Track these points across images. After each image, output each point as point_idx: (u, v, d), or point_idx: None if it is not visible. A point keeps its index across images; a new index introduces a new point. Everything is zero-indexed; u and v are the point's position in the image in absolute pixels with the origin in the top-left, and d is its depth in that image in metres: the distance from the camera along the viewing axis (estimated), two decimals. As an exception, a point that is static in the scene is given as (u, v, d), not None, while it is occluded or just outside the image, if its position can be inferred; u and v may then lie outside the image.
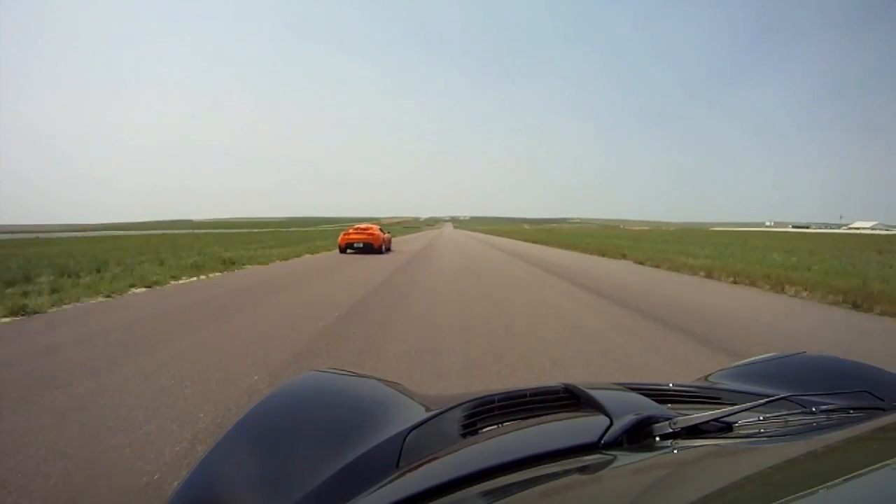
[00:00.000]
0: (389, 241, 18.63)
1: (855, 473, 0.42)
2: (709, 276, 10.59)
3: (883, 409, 0.71)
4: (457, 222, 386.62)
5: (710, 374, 1.10)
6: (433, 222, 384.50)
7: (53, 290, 6.80)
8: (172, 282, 8.70)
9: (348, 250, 16.61)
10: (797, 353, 1.12)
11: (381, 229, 17.86)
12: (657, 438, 0.59)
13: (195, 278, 9.39)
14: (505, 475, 0.52)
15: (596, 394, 0.72)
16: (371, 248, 16.44)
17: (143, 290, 7.71)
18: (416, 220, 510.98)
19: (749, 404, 0.65)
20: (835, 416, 0.68)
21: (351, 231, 17.34)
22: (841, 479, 0.41)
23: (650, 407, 0.66)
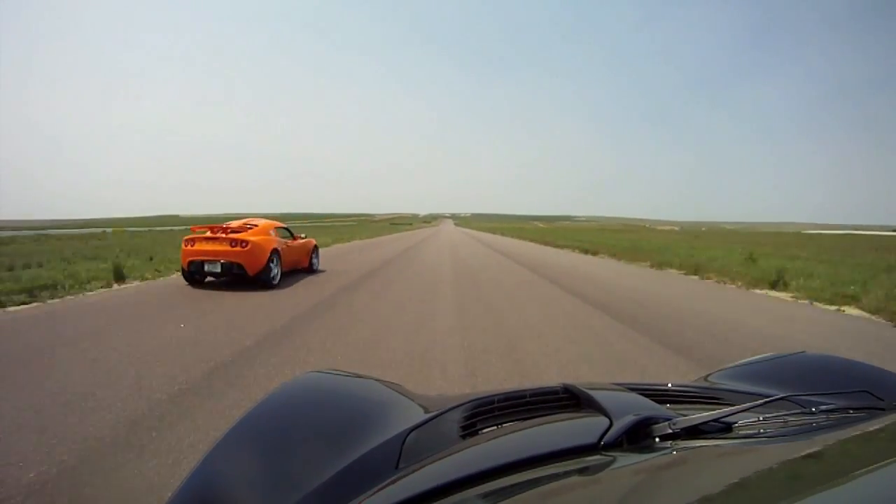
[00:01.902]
0: (308, 252, 9.40)
1: (855, 473, 0.42)
2: None
3: (883, 409, 0.71)
4: (457, 219, 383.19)
5: (709, 374, 1.10)
6: (431, 219, 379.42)
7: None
8: None
9: (197, 276, 7.47)
10: (797, 353, 1.12)
11: (283, 230, 8.79)
12: (657, 439, 0.59)
13: None
14: (505, 476, 0.52)
15: (595, 394, 0.72)
16: (241, 273, 7.21)
17: None
18: (415, 216, 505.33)
19: (749, 404, 0.65)
20: (834, 416, 0.67)
21: (205, 236, 7.60)
22: (841, 480, 0.41)
23: (650, 407, 0.66)
